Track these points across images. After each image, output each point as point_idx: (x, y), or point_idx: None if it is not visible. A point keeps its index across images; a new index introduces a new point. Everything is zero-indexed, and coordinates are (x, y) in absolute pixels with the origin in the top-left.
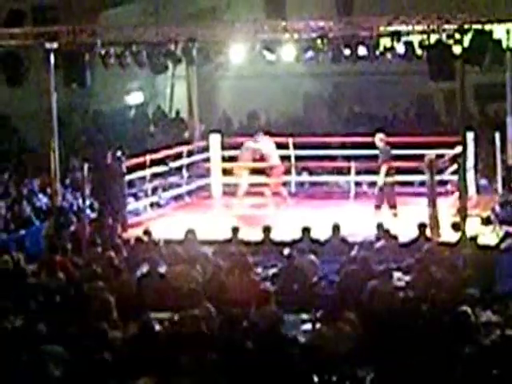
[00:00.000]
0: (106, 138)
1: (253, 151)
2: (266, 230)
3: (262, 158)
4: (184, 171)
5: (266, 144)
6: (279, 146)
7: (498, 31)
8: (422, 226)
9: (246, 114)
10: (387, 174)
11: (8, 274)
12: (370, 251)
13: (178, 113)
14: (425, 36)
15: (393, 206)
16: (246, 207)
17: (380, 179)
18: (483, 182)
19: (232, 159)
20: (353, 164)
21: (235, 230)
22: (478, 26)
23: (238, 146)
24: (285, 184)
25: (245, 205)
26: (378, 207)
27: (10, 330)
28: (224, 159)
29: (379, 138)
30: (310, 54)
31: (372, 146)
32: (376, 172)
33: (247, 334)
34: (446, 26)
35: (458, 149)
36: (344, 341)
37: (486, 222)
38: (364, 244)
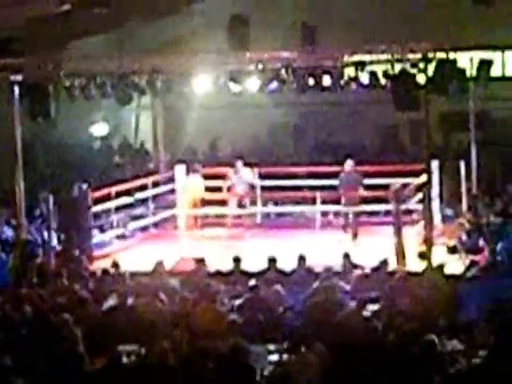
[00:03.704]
0: (71, 170)
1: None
2: (236, 260)
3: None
4: (150, 202)
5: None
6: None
7: (462, 60)
8: (384, 263)
9: (208, 144)
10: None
11: None
12: (335, 281)
13: (142, 144)
14: (389, 65)
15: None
16: (213, 238)
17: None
18: (448, 211)
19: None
20: (318, 194)
21: (200, 261)
22: (442, 55)
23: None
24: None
25: (211, 235)
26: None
27: None
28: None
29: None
30: (274, 84)
31: (337, 175)
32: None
33: (214, 366)
34: (410, 56)
35: (424, 178)
36: (311, 371)
37: (452, 250)
38: (329, 274)
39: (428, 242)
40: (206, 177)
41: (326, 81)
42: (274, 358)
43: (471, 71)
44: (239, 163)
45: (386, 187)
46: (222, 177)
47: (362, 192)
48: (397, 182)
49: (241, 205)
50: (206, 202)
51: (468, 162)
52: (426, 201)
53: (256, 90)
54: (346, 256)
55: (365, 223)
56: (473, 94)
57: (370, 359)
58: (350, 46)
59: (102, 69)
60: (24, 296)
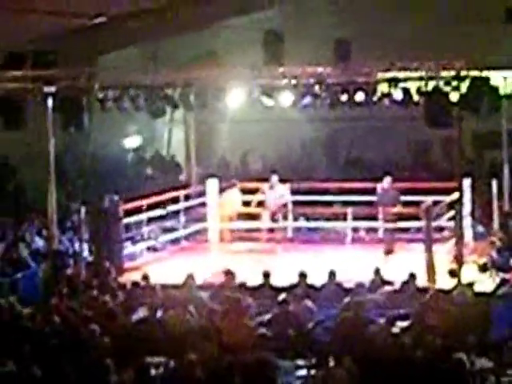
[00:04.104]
0: (103, 181)
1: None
2: (266, 275)
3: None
4: (181, 215)
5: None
6: None
7: (495, 78)
8: (412, 277)
9: (239, 158)
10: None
11: (3, 318)
12: (366, 297)
13: (172, 157)
14: (422, 82)
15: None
16: (245, 251)
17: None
18: (480, 228)
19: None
20: (349, 210)
21: (231, 275)
22: (476, 73)
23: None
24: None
25: (242, 249)
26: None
27: (4, 374)
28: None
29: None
30: (307, 99)
31: (369, 191)
32: (374, 218)
33: (241, 379)
34: (444, 73)
35: (455, 195)
36: None
37: (483, 268)
38: (359, 290)
39: (459, 259)
40: (242, 191)
41: (359, 97)
42: (303, 372)
43: (505, 89)
44: (274, 178)
45: (417, 204)
46: (256, 191)
47: (400, 209)
48: (428, 199)
49: (274, 219)
50: (240, 216)
51: (500, 180)
52: (458, 218)
53: (289, 104)
54: (377, 271)
55: (396, 240)
56: (506, 113)
57: (399, 375)
58: (384, 62)
59: (135, 81)
60: (54, 307)
